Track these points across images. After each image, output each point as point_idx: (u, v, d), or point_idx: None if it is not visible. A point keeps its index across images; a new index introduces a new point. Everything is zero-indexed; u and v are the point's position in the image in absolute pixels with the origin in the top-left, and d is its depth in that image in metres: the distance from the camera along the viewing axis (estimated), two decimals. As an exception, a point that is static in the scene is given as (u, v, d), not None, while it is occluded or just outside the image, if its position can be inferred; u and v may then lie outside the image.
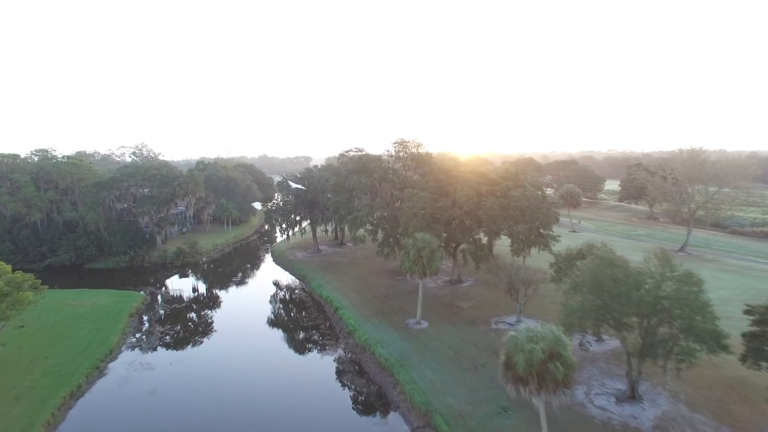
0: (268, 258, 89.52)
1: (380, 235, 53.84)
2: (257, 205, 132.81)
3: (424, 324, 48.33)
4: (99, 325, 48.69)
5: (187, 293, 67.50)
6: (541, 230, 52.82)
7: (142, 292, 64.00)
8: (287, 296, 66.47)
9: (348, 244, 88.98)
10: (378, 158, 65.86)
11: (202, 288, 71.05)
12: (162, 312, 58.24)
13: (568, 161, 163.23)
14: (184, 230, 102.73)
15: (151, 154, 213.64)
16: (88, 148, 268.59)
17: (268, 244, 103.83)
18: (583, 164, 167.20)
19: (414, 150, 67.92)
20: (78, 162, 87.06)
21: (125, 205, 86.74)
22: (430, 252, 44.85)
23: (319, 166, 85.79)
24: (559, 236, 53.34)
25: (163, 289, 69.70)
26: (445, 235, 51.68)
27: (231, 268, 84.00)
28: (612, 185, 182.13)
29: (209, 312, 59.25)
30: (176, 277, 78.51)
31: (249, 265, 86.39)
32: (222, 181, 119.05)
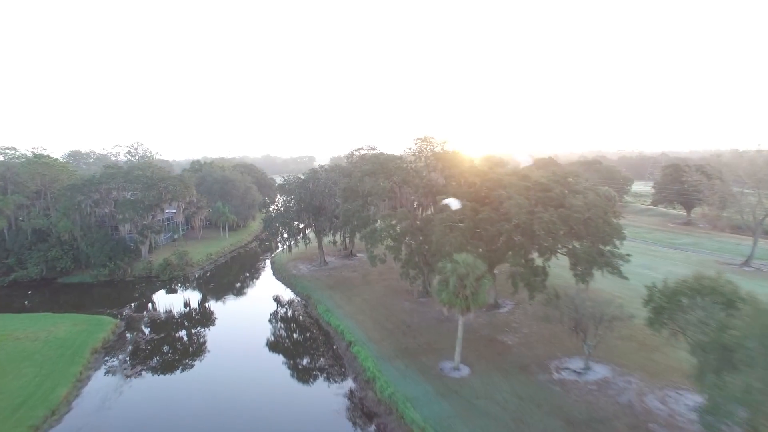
0: (268, 270, 78.88)
1: (404, 253, 42.94)
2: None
3: (464, 370, 37.55)
4: (48, 368, 38.11)
5: (169, 318, 56.93)
6: (604, 247, 41.91)
7: (114, 319, 53.37)
8: (289, 325, 55.68)
9: (359, 255, 78.27)
10: (398, 158, 55.22)
11: (186, 311, 60.47)
12: (136, 344, 47.67)
13: (592, 161, 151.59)
14: (175, 237, 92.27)
15: (148, 153, 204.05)
16: (85, 148, 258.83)
17: (268, 253, 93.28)
18: (606, 164, 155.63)
19: (439, 148, 57.19)
20: (50, 161, 76.69)
21: (107, 211, 76.35)
22: (475, 280, 34.12)
23: (326, 167, 74.90)
24: (629, 255, 42.41)
25: (144, 312, 59.10)
26: (481, 250, 40.79)
27: (225, 282, 73.37)
28: (636, 187, 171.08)
29: (192, 347, 48.58)
30: (162, 293, 68.16)
31: (245, 280, 75.72)
32: (218, 182, 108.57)
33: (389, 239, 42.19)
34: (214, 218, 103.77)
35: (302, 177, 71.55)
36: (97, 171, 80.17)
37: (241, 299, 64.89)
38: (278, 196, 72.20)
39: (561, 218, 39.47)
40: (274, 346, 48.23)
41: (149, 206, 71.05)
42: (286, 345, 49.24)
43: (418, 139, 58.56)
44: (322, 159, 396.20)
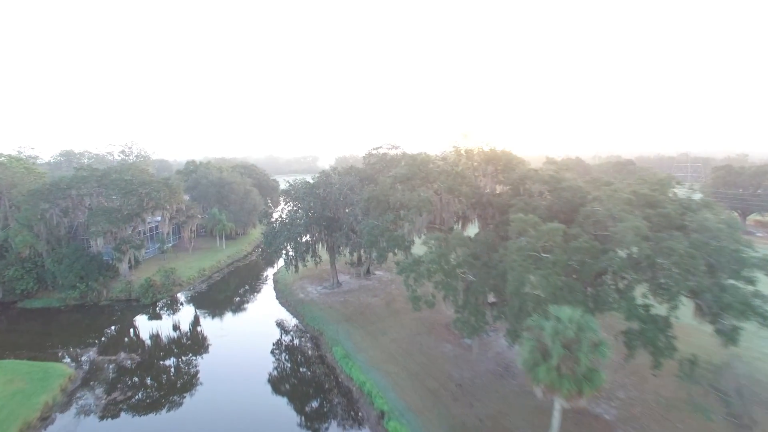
0: (270, 291, 66.71)
1: (461, 297, 30.30)
2: None
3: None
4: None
5: (146, 360, 44.70)
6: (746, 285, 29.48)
7: (69, 367, 41.17)
8: (295, 377, 43.14)
9: (377, 273, 65.96)
10: (441, 159, 43.01)
11: (169, 348, 48.33)
12: (95, 407, 35.50)
13: (624, 162, 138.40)
14: (164, 249, 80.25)
15: (143, 152, 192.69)
16: (79, 148, 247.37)
17: (271, 267, 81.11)
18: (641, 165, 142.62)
19: (486, 149, 44.80)
20: (8, 161, 64.58)
21: (80, 221, 64.26)
22: (590, 349, 21.92)
23: (339, 169, 62.65)
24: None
25: (113, 357, 46.92)
26: (579, 295, 28.37)
27: (218, 307, 61.14)
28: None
29: (171, 409, 36.35)
30: (144, 319, 56.27)
31: (243, 305, 63.39)
32: (214, 185, 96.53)
33: (440, 272, 29.91)
34: (209, 226, 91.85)
35: (310, 181, 59.28)
36: (67, 174, 67.85)
37: (237, 335, 52.40)
38: (281, 203, 59.68)
39: (695, 247, 27.14)
40: (274, 412, 35.78)
41: (128, 216, 58.95)
42: (290, 414, 36.41)
43: (460, 133, 46.34)
44: (326, 158, 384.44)
